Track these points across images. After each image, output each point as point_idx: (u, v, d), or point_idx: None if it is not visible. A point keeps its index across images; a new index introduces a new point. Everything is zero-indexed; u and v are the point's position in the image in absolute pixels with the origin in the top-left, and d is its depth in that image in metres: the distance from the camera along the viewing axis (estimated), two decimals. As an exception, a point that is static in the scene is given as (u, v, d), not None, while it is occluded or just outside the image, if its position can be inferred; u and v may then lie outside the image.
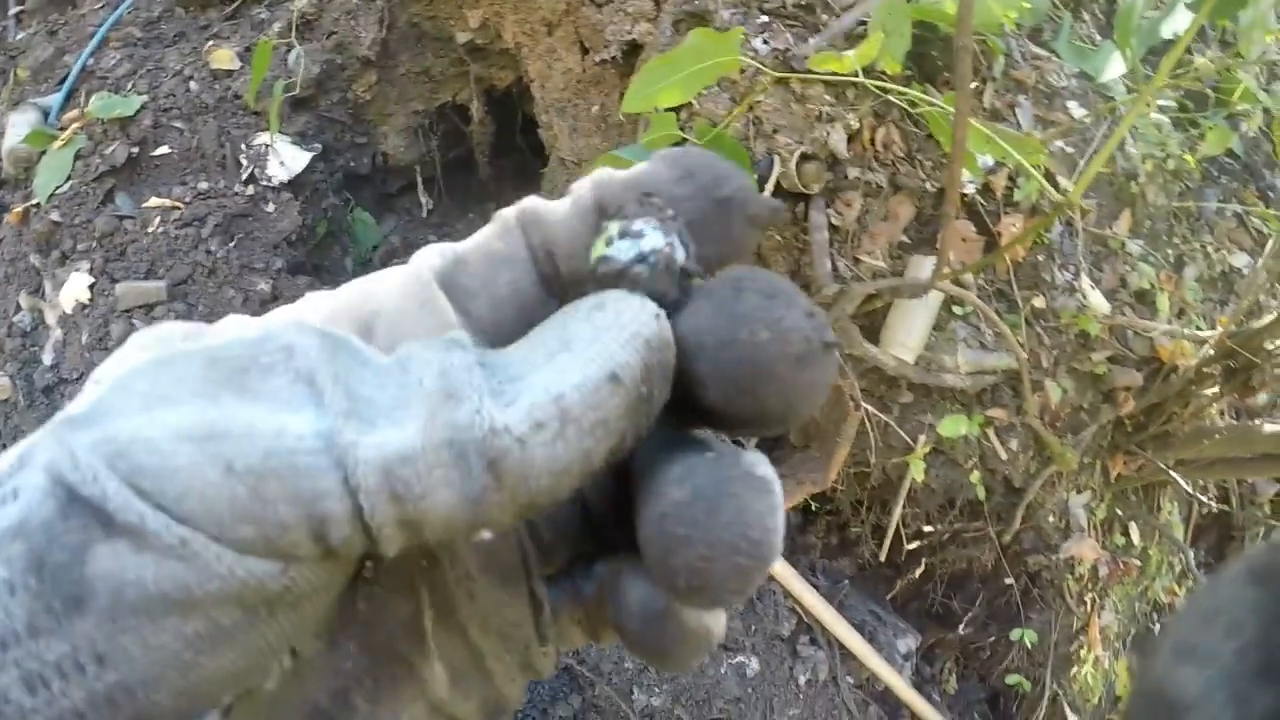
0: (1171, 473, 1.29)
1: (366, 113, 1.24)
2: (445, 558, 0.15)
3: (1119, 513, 1.40)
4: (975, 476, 1.09)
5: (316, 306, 0.14)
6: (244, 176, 1.16)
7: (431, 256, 0.15)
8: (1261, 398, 1.35)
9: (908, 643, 1.25)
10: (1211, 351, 1.15)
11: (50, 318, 1.25)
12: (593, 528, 0.17)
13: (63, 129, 1.35)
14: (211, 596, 0.11)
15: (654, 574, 0.13)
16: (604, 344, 0.12)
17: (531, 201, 0.15)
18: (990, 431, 1.14)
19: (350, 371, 0.12)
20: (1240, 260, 1.56)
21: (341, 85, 1.22)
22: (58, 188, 1.30)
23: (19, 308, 1.31)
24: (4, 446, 1.31)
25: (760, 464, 0.13)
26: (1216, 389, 1.22)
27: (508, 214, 0.15)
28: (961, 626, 1.31)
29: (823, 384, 0.13)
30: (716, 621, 0.15)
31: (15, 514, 0.11)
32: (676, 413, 0.14)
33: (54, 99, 1.43)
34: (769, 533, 0.13)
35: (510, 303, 0.15)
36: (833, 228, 0.98)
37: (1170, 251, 1.43)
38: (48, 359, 1.23)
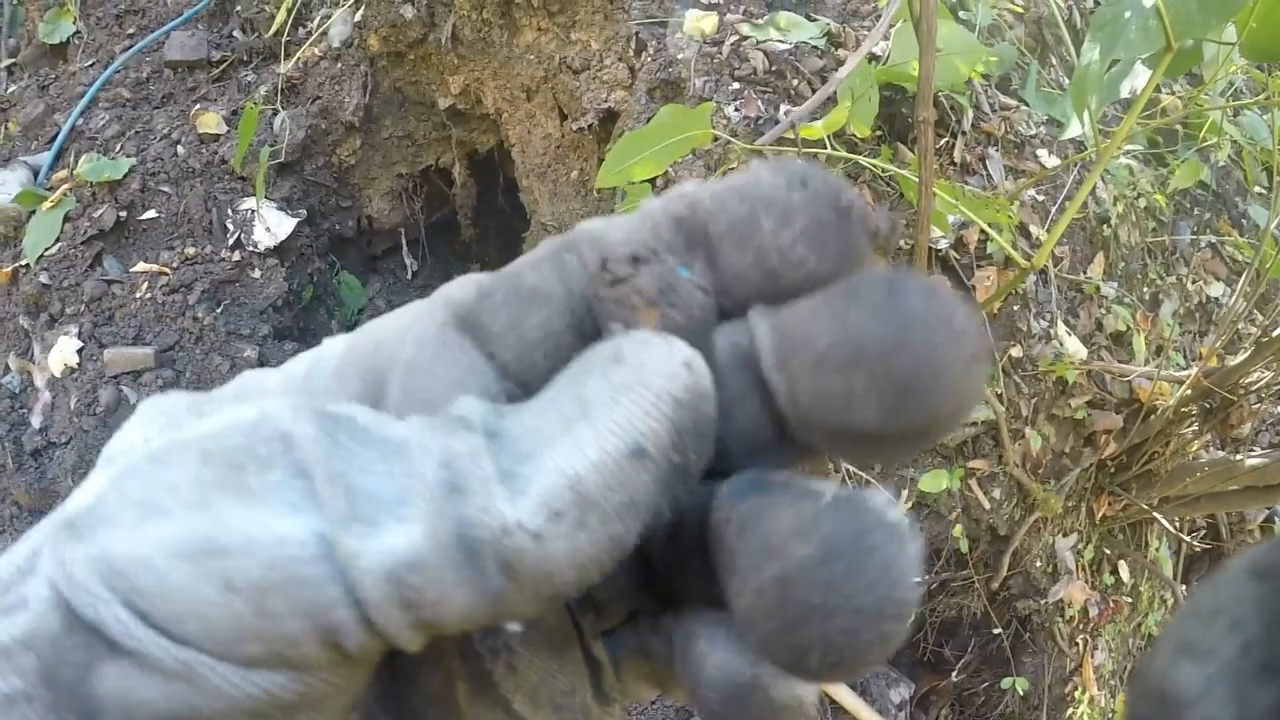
0: (1155, 513, 1.30)
1: (351, 177, 1.26)
2: (475, 630, 0.14)
3: (1107, 552, 1.41)
4: (958, 530, 1.09)
5: (332, 352, 0.13)
6: (230, 242, 1.18)
7: (455, 290, 0.13)
8: (1245, 428, 1.36)
9: (901, 692, 1.25)
10: (1189, 391, 1.16)
11: (39, 380, 1.26)
12: (652, 579, 0.14)
13: (51, 189, 1.37)
14: (222, 714, 0.11)
15: (766, 648, 0.11)
16: (624, 409, 0.11)
17: (586, 224, 0.13)
18: (973, 482, 1.15)
19: (351, 460, 0.11)
20: (1217, 290, 1.58)
21: (326, 150, 1.24)
22: (47, 249, 1.31)
23: (8, 369, 1.31)
24: (-10, 511, 1.31)
25: (891, 506, 0.11)
26: (1196, 427, 1.23)
27: (551, 242, 0.13)
28: (955, 674, 1.31)
29: (983, 382, 0.12)
30: (809, 689, 0.13)
31: (25, 624, 0.11)
32: (772, 450, 0.12)
33: (44, 158, 1.45)
34: (914, 590, 0.11)
35: (540, 346, 0.13)
36: (808, 290, 0.99)
37: (1146, 289, 1.46)
38: (36, 422, 1.24)
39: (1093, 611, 1.39)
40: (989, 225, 0.98)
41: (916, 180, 0.95)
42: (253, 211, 1.18)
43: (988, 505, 1.17)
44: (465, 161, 1.25)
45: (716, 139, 0.95)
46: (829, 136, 0.97)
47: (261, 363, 1.11)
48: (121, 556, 0.10)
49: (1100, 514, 1.37)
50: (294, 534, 0.10)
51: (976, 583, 1.22)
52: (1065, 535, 1.32)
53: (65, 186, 1.37)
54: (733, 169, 1.01)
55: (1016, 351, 1.19)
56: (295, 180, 1.24)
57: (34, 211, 1.37)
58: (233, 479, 0.11)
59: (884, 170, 1.03)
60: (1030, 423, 1.20)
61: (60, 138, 1.45)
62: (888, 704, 1.22)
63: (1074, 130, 1.10)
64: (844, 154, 0.98)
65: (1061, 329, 1.25)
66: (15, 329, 1.32)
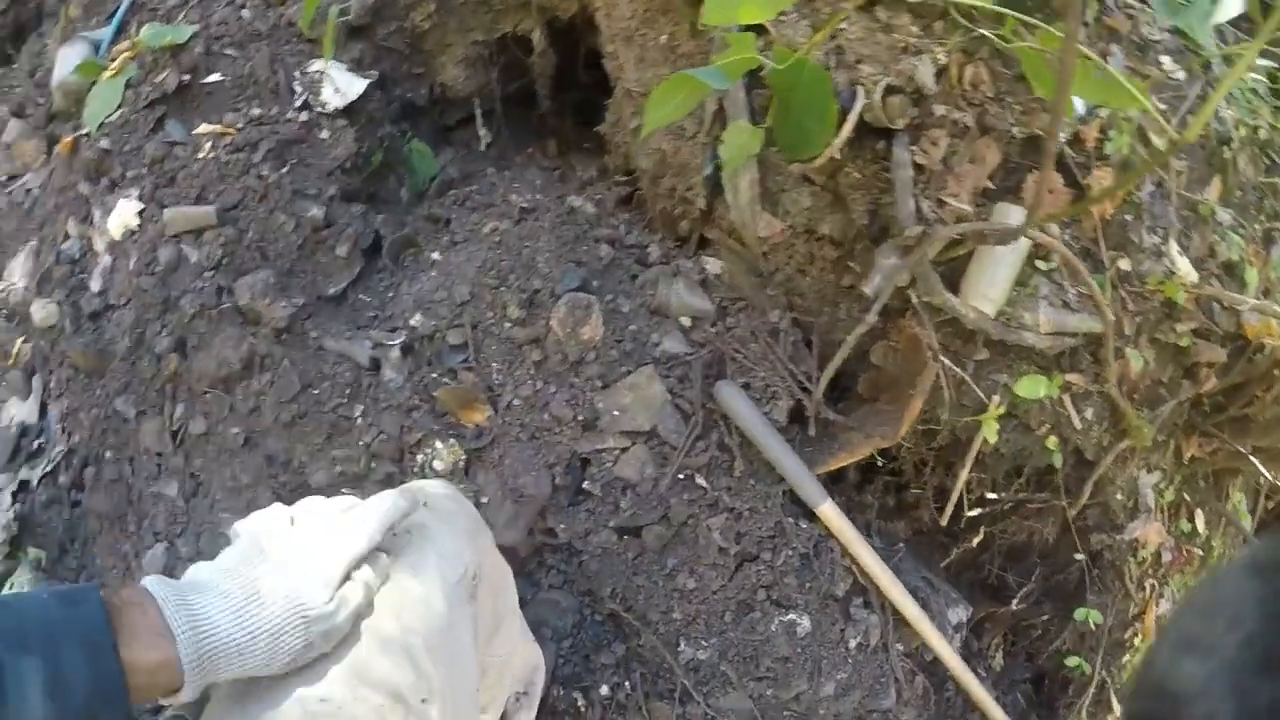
0: (1252, 457, 1.21)
1: (424, 43, 1.19)
2: None
3: (1186, 497, 1.33)
4: (1053, 442, 1.03)
5: None
6: (298, 103, 1.13)
7: None
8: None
9: (959, 614, 1.20)
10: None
11: (99, 244, 1.24)
12: None
13: (113, 61, 1.33)
14: None
15: None
16: None
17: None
18: (1066, 397, 1.08)
19: None
20: (1334, 243, 1.46)
21: (399, 14, 1.17)
22: (108, 116, 1.28)
23: (68, 235, 1.30)
24: (50, 374, 1.31)
25: None
26: (1305, 371, 1.14)
27: None
28: (1015, 601, 1.26)
29: None
30: None
31: None
32: None
33: (104, 32, 1.41)
34: None
35: None
36: (916, 167, 0.92)
37: (1258, 226, 1.34)
38: (95, 285, 1.22)
39: (1165, 556, 1.32)
40: (1121, 112, 0.89)
41: (1044, 54, 0.86)
42: (321, 73, 1.13)
43: (1078, 424, 1.09)
44: (545, 29, 1.17)
45: (834, -15, 0.87)
46: (950, 3, 0.88)
47: (327, 223, 1.07)
48: None
49: (1189, 455, 1.29)
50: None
51: (1056, 506, 1.16)
52: (1150, 471, 1.25)
53: (126, 55, 1.33)
54: (841, 29, 0.92)
55: (1125, 264, 1.10)
56: (366, 44, 1.18)
57: (94, 83, 1.33)
58: None
59: (1006, 43, 0.93)
60: (1133, 342, 1.11)
61: (121, 11, 1.40)
62: (945, 623, 1.18)
63: (1230, 11, 0.99)
64: (967, 19, 0.88)
65: (1174, 247, 1.15)
66: (75, 196, 1.30)
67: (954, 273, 0.97)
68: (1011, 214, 0.95)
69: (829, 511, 0.95)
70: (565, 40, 1.21)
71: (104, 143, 1.26)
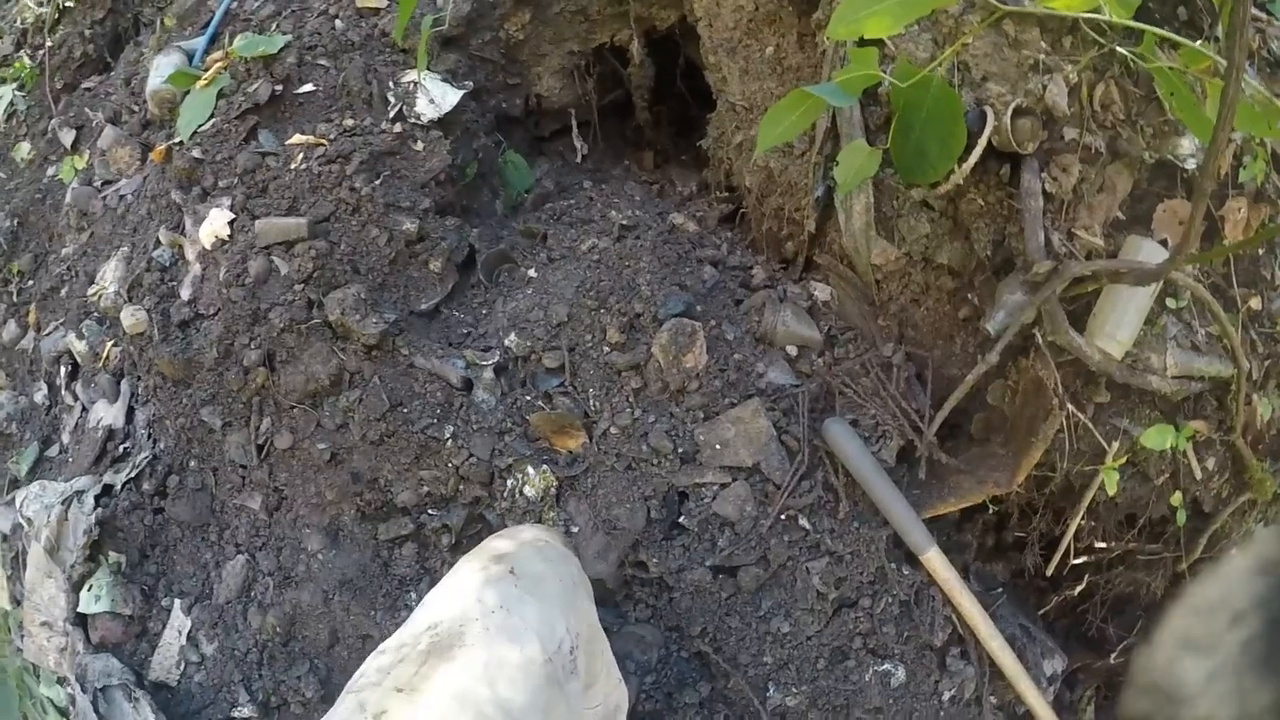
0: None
1: (519, 53, 1.18)
2: None
3: (1303, 550, 1.24)
4: (1177, 499, 0.96)
5: None
6: (391, 114, 1.13)
7: None
8: None
9: (1054, 665, 1.14)
10: None
11: (189, 253, 1.25)
12: None
13: (206, 70, 1.35)
14: None
15: None
16: None
17: None
18: (1189, 446, 1.01)
19: None
20: None
21: (493, 24, 1.16)
22: (200, 126, 1.30)
23: (159, 243, 1.32)
24: (138, 379, 1.33)
25: None
26: None
27: None
28: (1113, 655, 1.18)
29: None
30: None
31: None
32: None
33: (198, 42, 1.43)
34: None
35: None
36: (1046, 195, 0.86)
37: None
38: (185, 294, 1.24)
39: (1277, 614, 1.23)
40: (1255, 138, 0.82)
41: (1181, 74, 0.80)
42: (415, 84, 1.12)
43: (1199, 475, 1.02)
44: (643, 39, 1.15)
45: (948, 11, 0.82)
46: (1079, 17, 0.82)
47: (421, 237, 1.06)
48: None
49: (1309, 506, 1.19)
50: None
51: (1165, 559, 1.08)
52: (1268, 524, 1.16)
53: (219, 64, 1.34)
54: (967, 44, 0.87)
55: (1256, 303, 1.03)
56: (460, 55, 1.17)
57: (188, 91, 1.35)
58: None
59: (1143, 61, 0.87)
60: (1261, 387, 1.03)
61: (215, 21, 1.43)
62: (1040, 675, 1.11)
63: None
64: (1096, 37, 0.83)
65: (1308, 284, 1.07)
66: (168, 204, 1.32)
67: (1078, 309, 0.91)
68: (1144, 248, 0.89)
69: (935, 559, 0.89)
70: (663, 50, 1.18)
71: (196, 152, 1.28)
